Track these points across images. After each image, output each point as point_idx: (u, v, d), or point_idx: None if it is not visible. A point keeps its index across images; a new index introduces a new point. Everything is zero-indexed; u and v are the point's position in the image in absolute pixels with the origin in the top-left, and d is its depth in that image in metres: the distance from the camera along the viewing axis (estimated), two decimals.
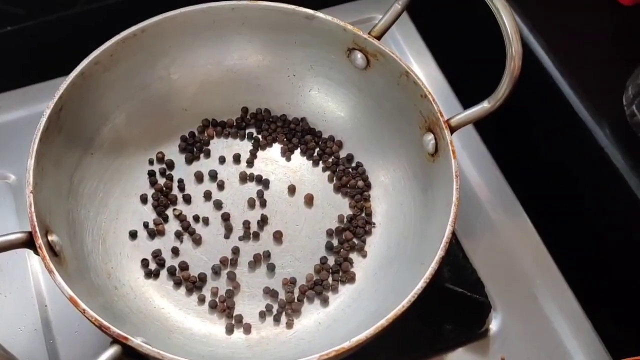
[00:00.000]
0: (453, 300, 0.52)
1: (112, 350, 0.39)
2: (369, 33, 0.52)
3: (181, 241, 0.52)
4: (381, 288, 0.49)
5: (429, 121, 0.50)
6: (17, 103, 0.62)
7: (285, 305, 0.49)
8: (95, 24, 0.69)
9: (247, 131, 0.57)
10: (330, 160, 0.55)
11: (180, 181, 0.54)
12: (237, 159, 0.55)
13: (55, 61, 0.65)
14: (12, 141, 0.59)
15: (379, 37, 0.52)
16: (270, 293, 0.50)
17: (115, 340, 0.39)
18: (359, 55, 0.53)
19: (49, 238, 0.43)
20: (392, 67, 0.51)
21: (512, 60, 0.45)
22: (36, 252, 0.43)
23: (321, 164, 0.55)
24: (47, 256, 0.41)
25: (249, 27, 0.54)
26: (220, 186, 0.54)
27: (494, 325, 0.53)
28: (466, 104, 0.61)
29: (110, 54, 0.49)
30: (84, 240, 0.48)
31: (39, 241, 0.41)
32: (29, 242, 0.42)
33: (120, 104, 0.52)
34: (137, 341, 0.39)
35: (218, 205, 0.53)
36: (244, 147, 0.56)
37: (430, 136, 0.50)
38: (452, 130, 0.48)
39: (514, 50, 0.45)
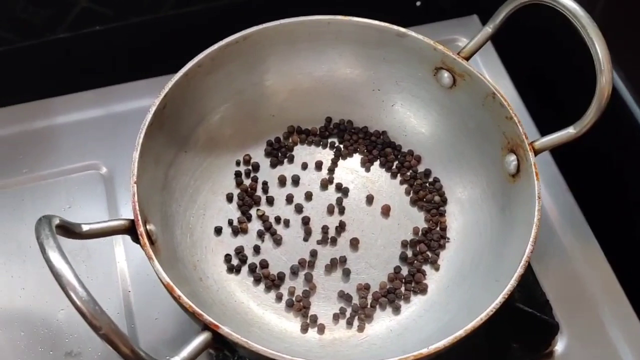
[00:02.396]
0: (521, 319, 0.53)
1: (203, 336, 0.41)
2: (457, 53, 0.53)
3: (262, 240, 0.54)
4: (453, 302, 0.50)
5: (512, 142, 0.51)
6: (107, 100, 0.65)
7: (359, 309, 0.51)
8: (185, 27, 0.73)
9: (329, 140, 0.59)
10: (409, 173, 0.57)
11: (265, 183, 0.56)
12: (319, 166, 0.58)
13: (141, 63, 0.69)
14: (105, 135, 0.63)
15: (467, 58, 0.53)
16: (345, 297, 0.52)
17: (206, 327, 0.41)
18: (445, 74, 0.54)
19: (147, 227, 0.46)
20: (479, 87, 0.53)
21: (602, 89, 0.47)
22: (135, 240, 0.46)
23: (399, 177, 0.57)
24: (147, 243, 0.44)
25: (342, 41, 0.56)
26: (302, 191, 0.56)
27: (559, 347, 0.54)
28: (542, 130, 0.63)
29: (212, 58, 0.52)
30: (174, 233, 0.51)
31: (140, 229, 0.44)
32: (130, 229, 0.45)
33: (216, 106, 0.55)
34: (226, 329, 0.41)
35: (299, 209, 0.55)
36: (326, 155, 0.58)
37: (513, 157, 0.51)
38: (536, 153, 0.49)
39: (604, 80, 0.47)
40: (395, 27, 0.55)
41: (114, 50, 0.72)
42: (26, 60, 0.71)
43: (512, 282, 0.44)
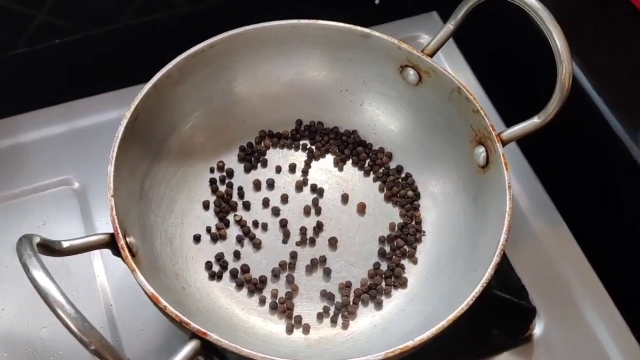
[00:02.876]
0: (500, 306, 0.54)
1: (192, 344, 0.41)
2: (422, 51, 0.55)
3: (242, 245, 0.55)
4: (433, 293, 0.52)
5: (480, 135, 0.52)
6: (74, 114, 0.65)
7: (342, 307, 0.52)
8: (146, 36, 0.73)
9: (301, 142, 0.59)
10: (381, 171, 0.58)
11: (240, 189, 0.57)
12: (292, 168, 0.58)
13: (104, 75, 0.69)
14: (75, 149, 0.62)
15: (431, 55, 0.55)
16: (327, 296, 0.52)
17: (193, 335, 0.42)
18: (411, 71, 0.56)
19: (127, 240, 0.46)
20: (444, 83, 0.54)
21: (563, 79, 0.48)
22: (115, 253, 0.46)
23: (372, 175, 0.58)
24: (129, 256, 0.44)
25: (307, 44, 0.57)
26: (277, 194, 0.57)
27: (537, 330, 0.55)
28: (507, 122, 0.64)
29: (180, 68, 0.53)
30: (153, 243, 0.51)
31: (121, 242, 0.44)
32: (110, 243, 0.45)
33: (186, 115, 0.55)
34: (215, 336, 0.41)
35: (276, 212, 0.56)
36: (299, 157, 0.59)
37: (482, 149, 0.52)
38: (504, 143, 0.51)
39: (564, 69, 0.48)
40: (359, 28, 0.55)
41: (75, 64, 0.71)
42: None
43: (489, 271, 0.45)
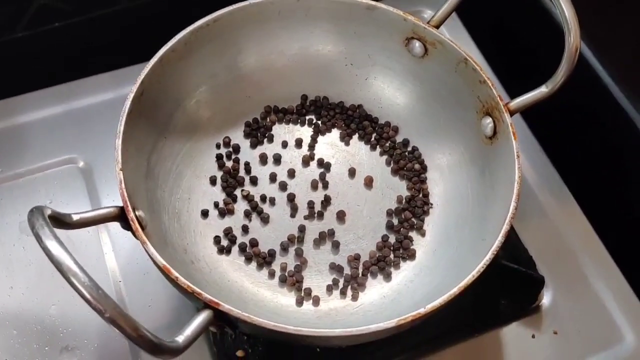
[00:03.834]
0: (508, 276, 0.54)
1: (204, 314, 0.41)
2: (427, 22, 0.54)
3: (250, 220, 0.54)
4: (442, 264, 0.52)
5: (487, 105, 0.52)
6: (77, 93, 0.65)
7: (351, 279, 0.52)
8: (139, 19, 0.72)
9: (307, 117, 0.59)
10: (387, 144, 0.58)
11: (247, 164, 0.57)
12: (298, 143, 0.58)
13: (104, 56, 0.69)
14: (79, 128, 0.62)
15: (437, 27, 0.54)
16: (336, 268, 0.53)
17: (206, 305, 0.42)
18: (417, 44, 0.55)
19: (137, 213, 0.46)
20: (451, 55, 0.54)
21: (571, 48, 0.48)
22: (125, 226, 0.46)
23: (378, 148, 0.58)
24: (139, 229, 0.44)
25: (312, 17, 0.56)
26: (284, 169, 0.57)
27: (545, 301, 0.56)
28: (510, 93, 0.64)
29: (185, 43, 0.52)
30: (161, 218, 0.51)
31: (131, 215, 0.44)
32: (120, 216, 0.45)
33: (191, 91, 0.55)
34: (227, 306, 0.41)
35: (283, 186, 0.56)
36: (305, 132, 0.59)
37: (489, 120, 0.52)
38: (511, 113, 0.51)
39: (572, 38, 0.48)
40: (364, 0, 0.55)
41: (76, 46, 0.71)
42: None
43: (499, 239, 0.45)
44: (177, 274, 0.43)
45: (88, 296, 0.35)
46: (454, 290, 0.44)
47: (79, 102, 0.64)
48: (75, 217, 0.42)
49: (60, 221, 0.41)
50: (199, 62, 0.54)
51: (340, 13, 0.56)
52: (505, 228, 0.46)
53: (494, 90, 0.51)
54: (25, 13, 0.71)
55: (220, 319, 0.42)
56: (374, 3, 0.55)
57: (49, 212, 0.39)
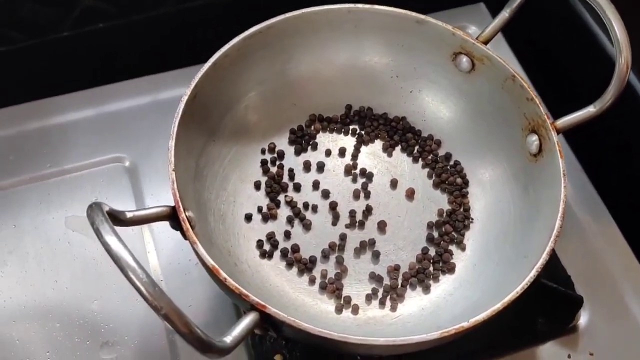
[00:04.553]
0: (546, 295, 0.54)
1: (251, 316, 0.42)
2: (476, 38, 0.55)
3: (292, 226, 0.55)
4: (481, 279, 0.52)
5: (533, 123, 0.53)
6: (123, 95, 0.66)
7: (390, 290, 0.52)
8: (181, 24, 0.74)
9: (350, 127, 0.60)
10: (430, 157, 0.59)
11: (291, 170, 0.57)
12: (342, 152, 0.59)
13: (148, 59, 0.70)
14: (126, 129, 0.64)
15: (485, 43, 0.55)
16: (376, 278, 0.53)
17: (252, 307, 0.42)
18: (464, 59, 0.56)
19: (186, 214, 0.46)
20: (498, 71, 0.54)
21: (622, 68, 0.48)
22: (174, 226, 0.47)
23: (421, 161, 0.59)
24: (190, 228, 0.45)
25: (362, 29, 0.57)
26: (327, 177, 0.58)
27: (582, 321, 0.56)
28: (552, 113, 0.64)
29: (238, 48, 0.53)
30: (207, 219, 0.52)
31: (182, 215, 0.45)
32: (171, 216, 0.46)
33: (240, 96, 0.56)
34: (273, 309, 0.42)
35: (326, 194, 0.57)
36: (348, 141, 0.60)
37: (534, 137, 0.52)
38: (558, 132, 0.51)
39: (623, 58, 0.48)
40: (414, 14, 0.56)
41: (118, 47, 0.72)
42: (37, 58, 0.71)
43: (543, 257, 0.46)
44: (225, 275, 0.43)
45: (145, 292, 0.35)
46: (498, 305, 0.44)
47: (125, 103, 0.65)
48: (129, 215, 0.43)
49: (115, 218, 0.42)
50: (250, 68, 0.55)
51: (389, 25, 0.57)
52: (550, 246, 0.46)
53: (542, 108, 0.52)
54: (70, 14, 0.73)
55: (266, 321, 0.43)
56: (423, 17, 0.56)
57: (106, 208, 0.40)
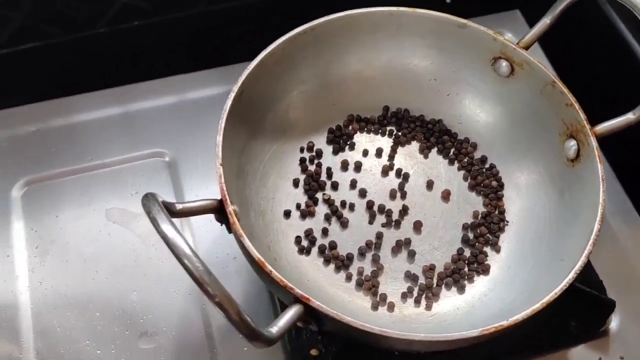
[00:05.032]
0: (579, 298, 0.55)
1: (295, 309, 0.43)
2: (516, 43, 0.56)
3: (329, 223, 0.56)
4: (516, 281, 0.53)
5: (572, 128, 0.53)
6: (164, 91, 0.67)
7: (426, 289, 0.53)
8: (213, 24, 0.75)
9: (387, 128, 0.61)
10: (466, 160, 0.59)
11: (329, 169, 0.58)
12: (379, 152, 0.60)
13: (177, 57, 0.71)
14: (167, 124, 0.65)
15: (526, 48, 0.56)
16: (411, 277, 0.54)
17: (296, 300, 0.43)
18: (504, 64, 0.57)
19: (232, 207, 0.47)
20: (538, 76, 0.55)
21: None
22: (220, 219, 0.48)
23: (456, 163, 0.59)
24: (237, 222, 0.46)
25: (403, 32, 0.58)
26: (364, 176, 0.59)
27: (614, 325, 0.56)
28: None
29: (283, 48, 0.54)
30: (249, 215, 0.53)
31: (229, 208, 0.46)
32: (217, 209, 0.47)
33: (282, 95, 0.57)
34: (317, 302, 0.43)
35: (363, 193, 0.57)
36: (385, 142, 0.61)
37: (572, 142, 0.53)
38: (597, 137, 0.52)
39: None
40: (456, 18, 0.57)
41: (153, 44, 0.74)
42: (71, 53, 0.72)
43: (582, 259, 0.46)
44: (270, 268, 0.44)
45: (201, 280, 0.37)
46: (537, 305, 0.45)
47: (169, 99, 0.67)
48: (178, 207, 0.44)
49: (167, 208, 0.43)
50: (292, 67, 0.57)
51: (431, 29, 0.58)
52: (588, 249, 0.47)
53: (582, 114, 0.52)
54: (108, 11, 0.75)
55: (309, 314, 0.44)
56: (465, 21, 0.57)
57: (160, 198, 0.41)
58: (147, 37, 0.74)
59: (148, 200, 0.39)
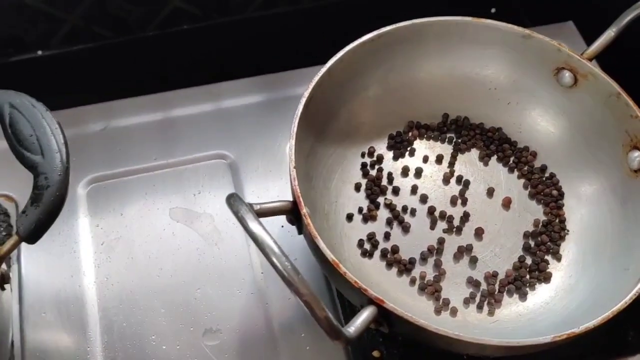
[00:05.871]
0: (637, 308, 0.55)
1: (370, 309, 0.44)
2: (580, 54, 0.56)
3: (391, 227, 0.57)
4: (579, 289, 0.53)
5: (635, 140, 0.54)
6: (226, 95, 0.68)
7: (488, 295, 0.54)
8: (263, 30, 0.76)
9: (447, 135, 0.62)
10: (526, 168, 0.60)
11: (389, 174, 0.59)
12: (439, 159, 0.61)
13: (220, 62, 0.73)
14: (229, 127, 0.66)
15: (590, 59, 0.56)
16: (474, 283, 0.54)
17: (370, 301, 0.44)
18: (567, 74, 0.57)
19: (305, 209, 0.49)
20: (602, 87, 0.55)
21: None
22: (292, 220, 0.49)
23: (516, 172, 0.60)
24: (311, 223, 0.47)
25: (466, 41, 0.59)
26: (425, 182, 0.59)
27: None
28: None
29: (352, 54, 0.56)
30: (314, 218, 0.53)
31: (304, 210, 0.47)
32: (291, 210, 0.48)
33: (345, 101, 0.58)
34: (391, 304, 0.44)
35: (424, 199, 0.58)
36: (445, 149, 0.61)
37: (637, 154, 0.54)
38: None
39: None
40: (520, 28, 0.58)
41: (201, 49, 0.75)
42: (134, 55, 0.74)
43: None
44: (345, 270, 0.45)
45: (289, 278, 0.38)
46: (607, 313, 0.45)
47: (227, 103, 0.68)
48: (256, 207, 0.45)
49: None
50: (357, 74, 0.58)
51: (495, 39, 0.58)
52: None
53: None
54: (158, 14, 0.76)
55: (383, 316, 0.44)
56: (529, 32, 0.57)
57: (244, 199, 0.42)
58: (209, 41, 0.75)
59: (235, 200, 0.40)
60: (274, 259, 0.38)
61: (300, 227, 0.49)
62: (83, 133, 0.65)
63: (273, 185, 0.63)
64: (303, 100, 0.52)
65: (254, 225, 0.39)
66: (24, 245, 0.58)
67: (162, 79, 0.69)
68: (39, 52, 0.72)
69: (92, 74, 0.72)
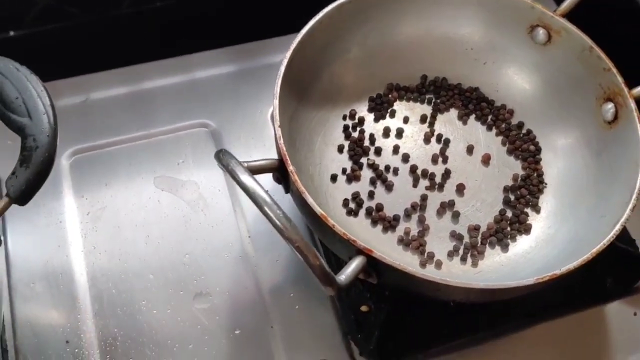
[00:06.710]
0: (615, 255, 0.57)
1: (359, 259, 0.45)
2: (554, 11, 0.58)
3: (375, 186, 0.58)
4: (558, 239, 0.55)
5: (609, 92, 0.56)
6: (206, 64, 0.69)
7: (471, 247, 0.55)
8: None
9: (426, 96, 0.63)
10: (503, 126, 0.61)
11: (371, 135, 0.60)
12: (419, 119, 0.62)
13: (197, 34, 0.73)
14: (210, 95, 0.66)
15: (563, 16, 0.58)
16: (457, 236, 0.56)
17: (359, 252, 0.45)
18: (541, 31, 0.59)
19: (292, 167, 0.49)
20: (576, 42, 0.57)
21: None
22: (278, 178, 0.50)
23: (494, 129, 0.62)
24: (298, 179, 0.47)
25: (440, 2, 0.60)
26: (406, 142, 0.60)
27: None
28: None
29: (330, 16, 0.56)
30: (300, 179, 0.54)
31: (290, 167, 0.48)
32: (278, 168, 0.49)
33: (326, 64, 0.59)
34: (379, 253, 0.45)
35: (405, 158, 0.59)
36: (424, 110, 0.62)
37: (610, 105, 0.55)
38: (635, 100, 0.54)
39: None
40: None
41: (177, 22, 0.75)
42: (121, 28, 0.74)
43: (627, 212, 0.49)
44: (333, 222, 0.46)
45: (281, 226, 0.38)
46: (587, 255, 0.47)
47: (202, 73, 0.68)
48: (244, 165, 0.46)
49: None
50: (336, 37, 0.58)
51: None
52: (632, 202, 0.49)
53: (619, 78, 0.55)
54: None
55: (371, 265, 0.46)
56: None
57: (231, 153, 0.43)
58: (188, 10, 0.75)
59: (224, 154, 0.41)
60: (267, 209, 0.39)
61: (287, 186, 0.50)
62: (63, 105, 0.65)
63: (256, 151, 0.63)
64: (285, 62, 0.53)
65: (244, 177, 0.40)
66: (9, 217, 0.59)
67: (137, 52, 0.69)
68: (11, 33, 0.72)
69: (66, 52, 0.72)
